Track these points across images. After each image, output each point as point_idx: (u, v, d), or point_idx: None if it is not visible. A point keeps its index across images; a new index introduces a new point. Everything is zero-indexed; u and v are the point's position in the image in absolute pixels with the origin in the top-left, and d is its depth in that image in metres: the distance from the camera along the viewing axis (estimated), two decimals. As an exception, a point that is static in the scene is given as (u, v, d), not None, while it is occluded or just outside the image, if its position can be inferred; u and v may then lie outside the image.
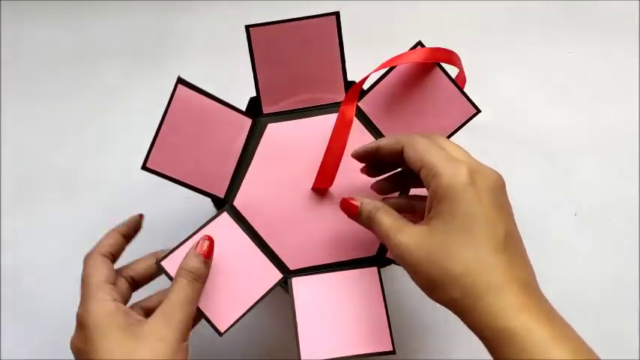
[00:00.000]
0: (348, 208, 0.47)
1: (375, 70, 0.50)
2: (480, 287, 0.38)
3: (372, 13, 0.77)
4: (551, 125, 0.72)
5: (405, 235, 0.42)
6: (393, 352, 0.49)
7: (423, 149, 0.43)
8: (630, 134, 0.72)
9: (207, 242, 0.48)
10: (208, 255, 0.48)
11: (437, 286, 0.40)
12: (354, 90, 0.51)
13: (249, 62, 0.50)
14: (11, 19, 0.77)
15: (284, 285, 0.52)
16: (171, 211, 0.66)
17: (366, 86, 0.53)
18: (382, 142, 0.47)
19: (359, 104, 0.53)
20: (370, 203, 0.46)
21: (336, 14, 0.50)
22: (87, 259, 0.49)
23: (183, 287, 0.46)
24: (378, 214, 0.45)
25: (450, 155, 0.42)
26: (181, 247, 0.49)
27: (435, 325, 0.65)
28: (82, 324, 0.44)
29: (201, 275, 0.47)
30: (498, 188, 0.41)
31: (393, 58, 0.51)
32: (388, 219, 0.44)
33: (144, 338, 0.42)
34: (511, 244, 0.40)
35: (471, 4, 0.77)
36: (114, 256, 0.50)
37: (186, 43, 0.76)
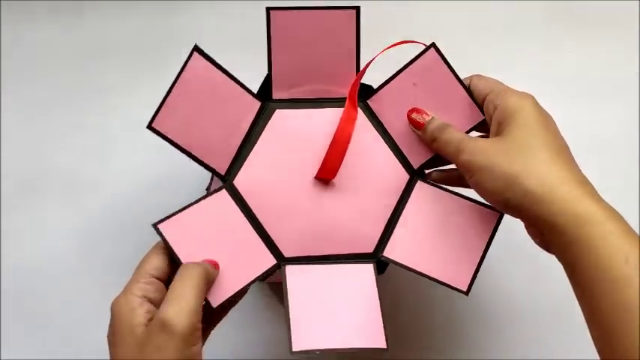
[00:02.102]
0: (415, 121, 0.51)
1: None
2: (552, 180, 0.42)
3: (370, 13, 0.77)
4: (550, 125, 0.73)
5: (479, 140, 0.47)
6: (385, 349, 0.47)
7: (492, 80, 0.50)
8: (630, 134, 0.73)
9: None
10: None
11: (515, 180, 0.43)
12: (355, 84, 0.52)
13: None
14: (11, 19, 0.76)
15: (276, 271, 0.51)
16: (172, 211, 0.66)
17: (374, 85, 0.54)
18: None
19: (368, 102, 0.53)
20: (436, 121, 0.50)
21: (357, 9, 0.51)
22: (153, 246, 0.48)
23: (185, 269, 0.45)
24: (443, 132, 0.49)
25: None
26: (180, 213, 0.48)
27: (435, 325, 0.64)
28: (111, 312, 0.44)
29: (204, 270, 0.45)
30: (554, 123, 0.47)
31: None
32: (455, 134, 0.48)
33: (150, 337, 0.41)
34: (572, 158, 0.46)
35: (470, 4, 0.79)
36: None
37: (186, 43, 0.75)
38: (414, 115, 0.51)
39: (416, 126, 0.51)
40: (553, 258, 0.67)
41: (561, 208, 0.41)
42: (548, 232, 0.43)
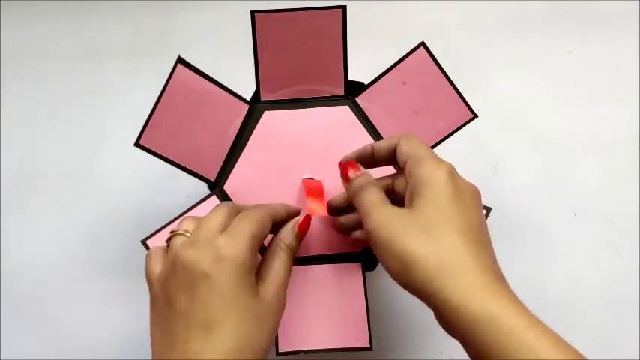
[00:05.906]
0: (344, 174, 0.46)
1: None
2: (454, 269, 0.37)
3: (371, 13, 0.77)
4: (551, 125, 0.72)
5: (389, 210, 0.41)
6: (369, 349, 0.49)
7: (416, 145, 0.43)
8: (630, 134, 0.72)
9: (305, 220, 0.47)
10: (301, 229, 0.46)
11: (408, 266, 0.38)
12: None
13: (249, 61, 0.50)
14: (11, 19, 0.77)
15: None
16: (172, 211, 0.67)
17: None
18: (378, 143, 0.46)
19: (357, 99, 0.53)
20: (361, 180, 0.44)
21: (343, 8, 0.50)
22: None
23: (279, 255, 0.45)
24: (362, 192, 0.44)
25: (437, 156, 0.43)
26: (166, 228, 0.49)
27: (435, 325, 0.64)
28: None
29: (293, 248, 0.45)
30: (476, 197, 0.42)
31: None
32: (371, 197, 0.43)
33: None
34: (483, 239, 0.40)
35: (471, 4, 0.78)
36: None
37: (186, 42, 0.76)
38: (349, 172, 0.46)
39: (344, 179, 0.47)
40: (552, 259, 0.66)
41: (456, 302, 0.37)
42: (445, 322, 0.40)
